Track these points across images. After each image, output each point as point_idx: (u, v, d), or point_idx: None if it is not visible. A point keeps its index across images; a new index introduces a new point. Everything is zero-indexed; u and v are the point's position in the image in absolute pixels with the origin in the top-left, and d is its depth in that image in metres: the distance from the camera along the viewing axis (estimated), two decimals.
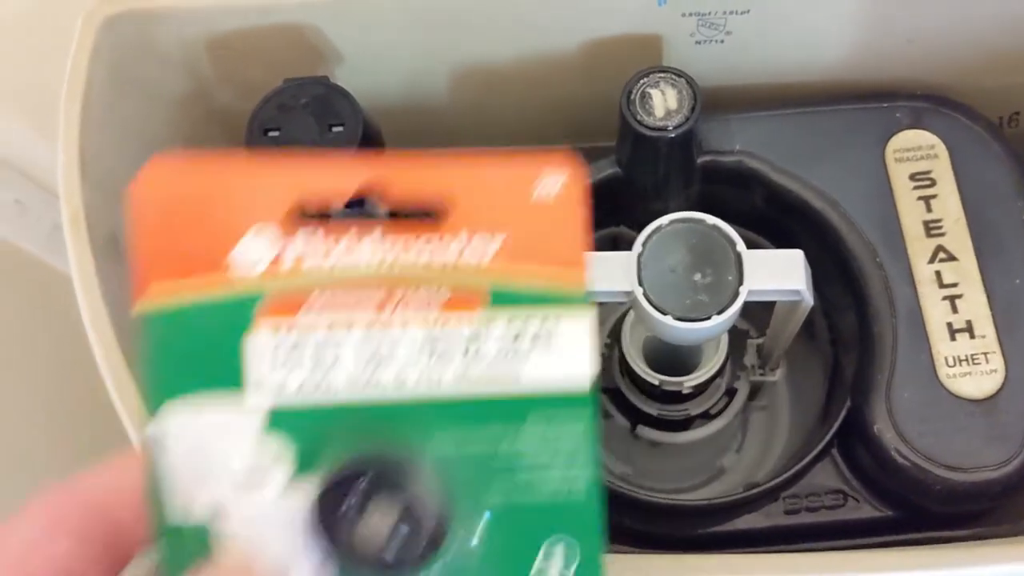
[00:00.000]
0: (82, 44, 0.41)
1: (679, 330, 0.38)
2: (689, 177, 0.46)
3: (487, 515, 0.23)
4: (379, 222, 0.22)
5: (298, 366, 0.22)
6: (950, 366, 0.41)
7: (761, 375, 0.48)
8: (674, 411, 0.47)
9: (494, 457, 0.23)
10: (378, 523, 0.22)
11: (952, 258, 0.43)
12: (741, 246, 0.38)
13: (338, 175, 0.22)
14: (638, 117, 0.42)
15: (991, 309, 0.42)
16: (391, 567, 0.22)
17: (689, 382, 0.44)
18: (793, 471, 0.43)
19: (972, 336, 0.41)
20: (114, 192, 0.42)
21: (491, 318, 0.23)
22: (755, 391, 0.50)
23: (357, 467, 0.22)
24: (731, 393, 0.48)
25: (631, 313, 0.45)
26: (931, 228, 0.43)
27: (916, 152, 0.45)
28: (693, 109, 0.42)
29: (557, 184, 0.23)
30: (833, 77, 0.47)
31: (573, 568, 0.23)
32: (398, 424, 0.22)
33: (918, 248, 0.43)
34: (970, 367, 0.41)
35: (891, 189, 0.44)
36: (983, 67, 0.47)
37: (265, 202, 0.22)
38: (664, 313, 0.37)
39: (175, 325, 0.22)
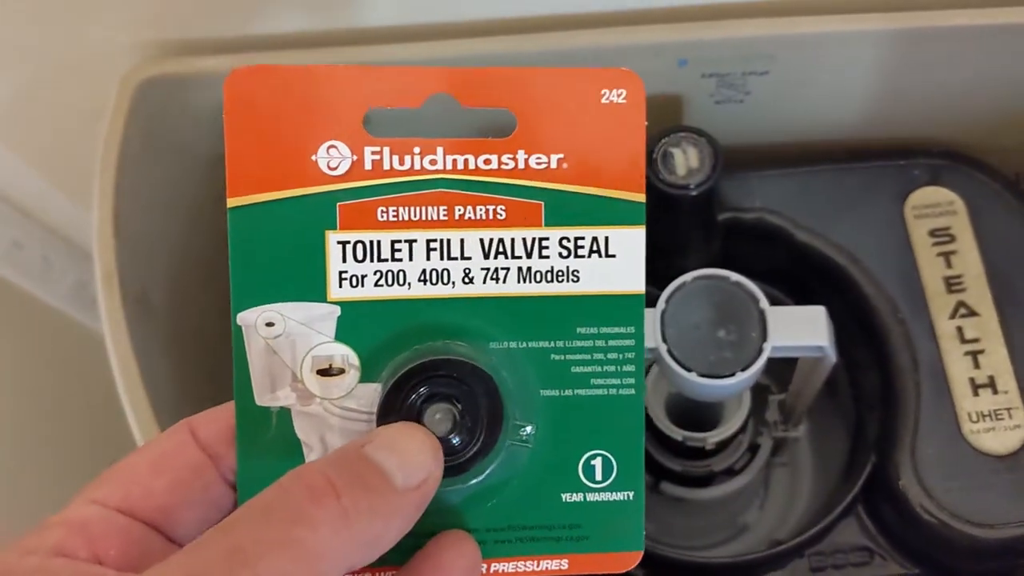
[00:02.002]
0: (118, 107, 0.42)
1: (703, 386, 0.38)
2: (710, 234, 0.46)
3: (541, 410, 0.24)
4: (441, 141, 0.24)
5: (376, 259, 0.24)
6: (973, 421, 0.41)
7: (784, 431, 0.48)
8: (697, 467, 0.47)
9: (552, 351, 0.24)
10: (435, 426, 0.23)
11: (973, 313, 0.43)
12: (764, 303, 0.38)
13: (409, 85, 0.24)
14: (660, 176, 0.42)
15: (1013, 364, 0.42)
16: (447, 469, 0.23)
17: (712, 438, 0.44)
18: (818, 528, 0.43)
19: (995, 391, 0.42)
20: (146, 250, 0.43)
21: (547, 234, 0.24)
22: (777, 447, 0.50)
23: (420, 369, 0.23)
24: (754, 449, 0.48)
25: (653, 369, 0.46)
26: (952, 284, 0.44)
27: (935, 208, 0.45)
28: (714, 167, 0.42)
29: (620, 96, 0.24)
30: (851, 135, 0.48)
31: (613, 474, 0.24)
32: (465, 319, 0.24)
33: (939, 304, 0.43)
34: (993, 422, 0.41)
35: (911, 245, 0.45)
36: (999, 124, 0.48)
37: (343, 108, 0.23)
38: (688, 370, 0.38)
39: (262, 217, 0.23)
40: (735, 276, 0.39)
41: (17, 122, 0.52)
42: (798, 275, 0.47)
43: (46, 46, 0.47)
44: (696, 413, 0.45)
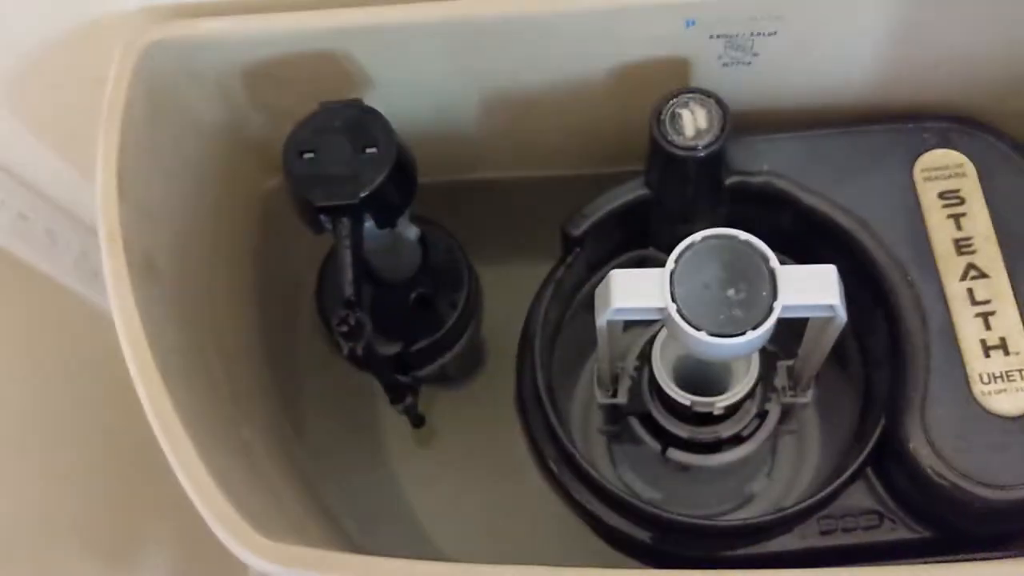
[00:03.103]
0: (121, 70, 0.42)
1: (713, 346, 0.37)
2: (717, 197, 0.46)
3: None
4: None
5: None
6: (985, 383, 0.41)
7: (792, 397, 0.48)
8: (705, 433, 0.47)
9: None
10: None
11: (983, 275, 0.43)
12: (775, 262, 0.38)
13: None
14: (668, 137, 0.42)
15: None
16: None
17: (721, 403, 0.44)
18: (828, 491, 0.43)
19: (1006, 353, 0.41)
20: (150, 215, 0.43)
21: None
22: (785, 414, 0.50)
23: None
24: (762, 416, 0.48)
25: (661, 334, 0.45)
26: (961, 246, 0.43)
27: (944, 171, 0.45)
28: (723, 128, 0.42)
29: None
30: (860, 99, 0.48)
31: None
32: None
33: (949, 266, 0.43)
34: (1005, 384, 0.41)
35: (920, 208, 0.44)
36: (1009, 89, 0.48)
37: None
38: (698, 329, 0.37)
39: None
40: (744, 235, 0.38)
41: (22, 93, 0.52)
42: (806, 239, 0.47)
43: (49, 14, 0.47)
44: (704, 378, 0.45)
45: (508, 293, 0.54)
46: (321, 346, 0.55)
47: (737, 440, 0.48)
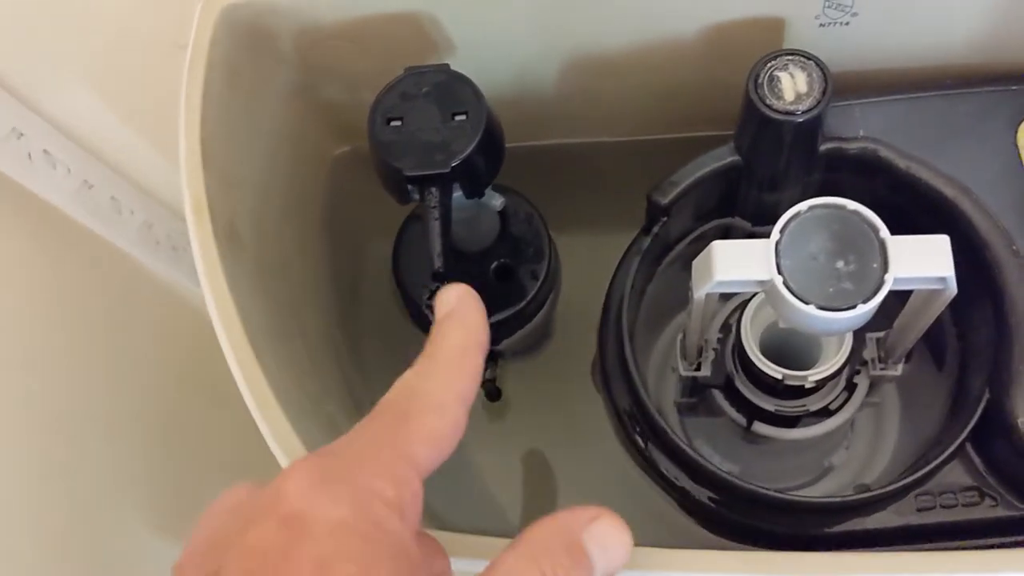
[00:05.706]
0: (201, 33, 0.41)
1: (822, 320, 0.36)
2: (811, 165, 0.45)
3: None
4: None
5: None
6: None
7: (883, 369, 0.47)
8: (792, 407, 0.46)
9: None
10: None
11: None
12: (885, 232, 0.36)
13: None
14: (767, 101, 0.40)
15: None
16: None
17: (814, 376, 0.43)
18: (927, 468, 0.42)
19: None
20: (230, 181, 0.42)
21: None
22: (871, 387, 0.48)
23: None
24: (851, 388, 0.47)
25: (750, 306, 0.44)
26: None
27: None
28: (824, 92, 0.40)
29: None
30: (963, 60, 0.46)
31: None
32: None
33: None
34: None
35: None
36: None
37: None
38: (806, 303, 0.36)
39: None
40: (853, 204, 0.37)
41: (88, 61, 0.51)
42: (903, 209, 0.45)
43: None
44: (792, 350, 0.44)
45: (580, 261, 0.53)
46: (388, 319, 0.54)
47: (825, 413, 0.47)
